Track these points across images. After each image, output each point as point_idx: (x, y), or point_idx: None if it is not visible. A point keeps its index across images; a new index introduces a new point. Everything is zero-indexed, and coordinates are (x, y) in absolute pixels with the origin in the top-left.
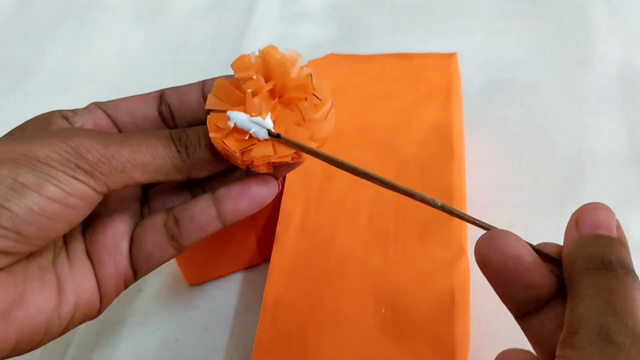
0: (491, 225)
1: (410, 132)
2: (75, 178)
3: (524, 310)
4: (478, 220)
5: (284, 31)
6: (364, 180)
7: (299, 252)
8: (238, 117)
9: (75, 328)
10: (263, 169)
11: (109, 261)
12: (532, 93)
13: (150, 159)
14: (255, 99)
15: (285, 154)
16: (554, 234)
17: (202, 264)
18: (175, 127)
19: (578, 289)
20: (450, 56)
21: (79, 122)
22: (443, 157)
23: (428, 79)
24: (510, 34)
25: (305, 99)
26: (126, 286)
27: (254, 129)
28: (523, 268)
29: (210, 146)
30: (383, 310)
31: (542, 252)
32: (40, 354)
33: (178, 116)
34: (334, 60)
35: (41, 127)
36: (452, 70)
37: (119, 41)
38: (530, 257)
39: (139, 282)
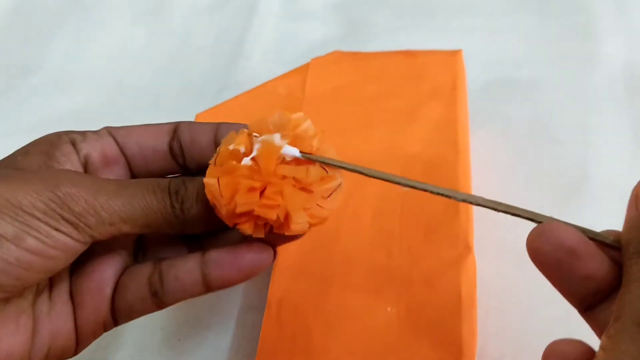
0: (542, 216)
1: (415, 130)
2: (58, 230)
3: (587, 303)
4: (525, 211)
5: (286, 29)
6: (368, 178)
7: (303, 251)
8: (291, 151)
9: None
10: (248, 229)
11: (90, 306)
12: (536, 91)
13: (142, 213)
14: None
15: (269, 203)
16: None
17: None
18: (184, 164)
19: (629, 274)
20: (455, 53)
21: (85, 148)
22: (448, 155)
23: (433, 77)
24: (514, 32)
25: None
26: (105, 331)
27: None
28: (579, 259)
29: (206, 203)
30: (389, 309)
31: (600, 239)
32: None
33: (188, 154)
34: (338, 58)
35: (45, 152)
36: (457, 67)
37: (120, 40)
38: (587, 246)
39: None
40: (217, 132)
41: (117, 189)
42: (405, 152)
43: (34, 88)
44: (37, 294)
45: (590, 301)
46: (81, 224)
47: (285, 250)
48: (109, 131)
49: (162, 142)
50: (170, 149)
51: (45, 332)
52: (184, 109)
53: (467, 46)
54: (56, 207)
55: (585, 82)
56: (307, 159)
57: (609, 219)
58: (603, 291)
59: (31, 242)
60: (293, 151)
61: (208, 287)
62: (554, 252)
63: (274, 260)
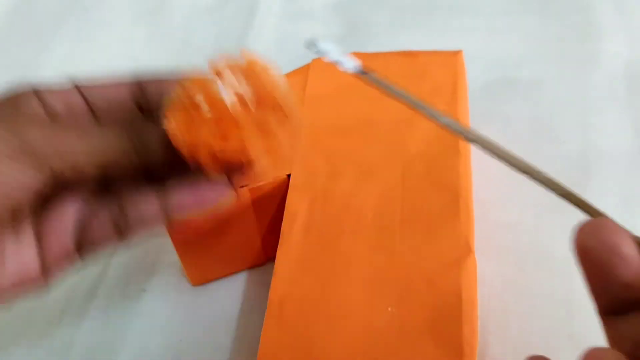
0: (596, 210)
1: (415, 130)
2: (18, 169)
3: (614, 309)
4: (586, 203)
5: (287, 30)
6: (369, 178)
7: (304, 251)
8: (328, 47)
9: (78, 327)
10: (210, 170)
11: (55, 243)
12: (536, 91)
13: (105, 153)
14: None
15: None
16: (562, 232)
17: (205, 264)
18: (150, 115)
19: None
20: (456, 53)
21: (50, 99)
22: (449, 154)
23: (433, 77)
24: (514, 31)
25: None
26: (71, 265)
27: (346, 65)
28: (626, 267)
29: (169, 144)
30: (390, 309)
31: None
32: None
33: (155, 107)
34: None
35: (11, 104)
36: (457, 67)
37: (121, 40)
38: (635, 252)
39: (142, 282)
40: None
41: (81, 131)
42: (406, 152)
43: None
44: (3, 227)
45: (618, 309)
46: (43, 164)
47: (287, 251)
48: (75, 84)
49: (127, 96)
50: (137, 102)
51: (11, 264)
52: None
53: (467, 46)
54: (16, 147)
55: (586, 82)
56: (367, 78)
57: (609, 216)
58: (637, 303)
59: None
60: (351, 64)
61: (167, 216)
62: (603, 253)
63: (234, 198)
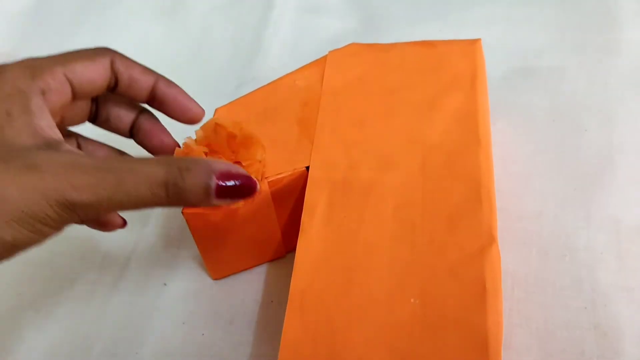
0: None
1: (435, 120)
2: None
3: None
4: None
5: (304, 24)
6: (389, 169)
7: (324, 243)
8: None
9: (101, 320)
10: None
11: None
12: (557, 80)
13: (136, 203)
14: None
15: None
16: (583, 222)
17: (226, 257)
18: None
19: None
20: (474, 42)
21: (50, 96)
22: (470, 144)
23: (452, 66)
24: (533, 20)
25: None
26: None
27: None
28: None
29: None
30: (412, 300)
31: None
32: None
33: (122, 91)
34: (355, 50)
35: (24, 110)
36: (476, 56)
37: (139, 37)
38: None
39: (163, 276)
40: (157, 83)
41: (116, 184)
42: (426, 142)
43: None
44: None
45: None
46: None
47: (307, 243)
48: (64, 73)
49: (104, 78)
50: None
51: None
52: (202, 105)
53: (486, 36)
54: (61, 211)
55: (608, 69)
56: None
57: (634, 209)
58: None
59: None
60: None
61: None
62: None
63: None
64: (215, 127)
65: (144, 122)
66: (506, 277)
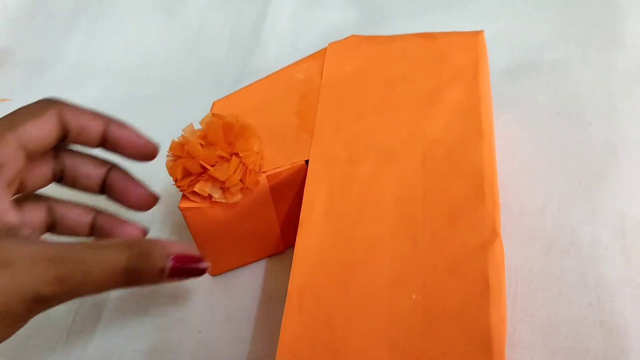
0: None
1: (436, 113)
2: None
3: None
4: None
5: (303, 17)
6: (389, 163)
7: (324, 238)
8: None
9: (98, 318)
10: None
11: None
12: (560, 74)
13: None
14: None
15: None
16: (587, 217)
17: (224, 253)
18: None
19: None
20: (477, 34)
21: (6, 171)
22: (472, 138)
23: (454, 59)
24: (535, 14)
25: None
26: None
27: None
28: None
29: None
30: (414, 297)
31: None
32: (63, 343)
33: (72, 139)
34: (356, 42)
35: None
36: (478, 48)
37: (137, 33)
38: None
39: None
40: (108, 127)
41: (85, 275)
42: (427, 136)
43: (51, 82)
44: None
45: None
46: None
47: (306, 239)
48: (16, 138)
49: (54, 133)
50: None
51: None
52: (200, 99)
53: (488, 29)
54: (33, 305)
55: (611, 64)
56: None
57: (638, 198)
58: None
59: None
60: None
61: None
62: None
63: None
64: (212, 118)
65: (116, 178)
66: (509, 273)
